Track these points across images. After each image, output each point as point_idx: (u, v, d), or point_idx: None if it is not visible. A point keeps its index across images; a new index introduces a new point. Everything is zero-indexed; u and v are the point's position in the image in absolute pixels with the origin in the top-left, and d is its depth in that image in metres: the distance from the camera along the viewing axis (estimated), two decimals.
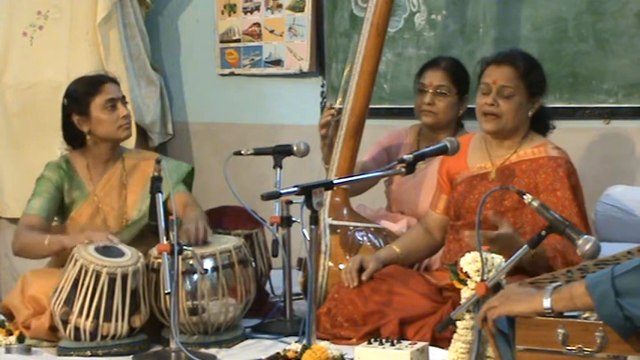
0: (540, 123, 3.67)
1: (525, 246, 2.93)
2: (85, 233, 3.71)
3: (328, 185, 3.33)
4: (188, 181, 4.03)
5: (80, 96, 3.88)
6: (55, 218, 3.97)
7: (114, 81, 3.96)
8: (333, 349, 3.14)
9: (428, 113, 4.16)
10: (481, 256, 2.95)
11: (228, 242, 3.66)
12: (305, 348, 3.11)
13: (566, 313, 2.56)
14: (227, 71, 5.54)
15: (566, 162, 3.57)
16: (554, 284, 2.60)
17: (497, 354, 2.70)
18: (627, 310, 2.41)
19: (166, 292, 3.32)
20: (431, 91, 4.14)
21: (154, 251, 3.57)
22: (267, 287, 4.14)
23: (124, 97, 3.94)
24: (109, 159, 3.95)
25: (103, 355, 3.46)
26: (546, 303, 2.55)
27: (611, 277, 2.43)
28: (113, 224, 3.89)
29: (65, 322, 3.48)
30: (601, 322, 2.48)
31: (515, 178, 3.57)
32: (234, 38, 5.48)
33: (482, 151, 3.69)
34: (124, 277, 3.48)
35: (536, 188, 3.51)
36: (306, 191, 3.17)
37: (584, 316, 2.54)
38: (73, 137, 3.94)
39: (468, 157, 3.71)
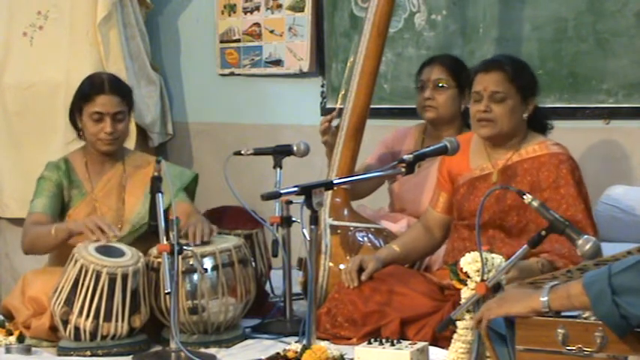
0: (538, 123, 3.66)
1: (525, 246, 2.93)
2: (90, 217, 3.71)
3: (328, 185, 3.33)
4: (192, 187, 4.03)
5: (79, 97, 3.90)
6: None
7: (117, 93, 3.87)
8: (333, 349, 3.14)
9: (429, 108, 4.15)
10: (481, 256, 2.95)
11: (228, 241, 3.66)
12: (305, 348, 3.11)
13: (566, 313, 2.56)
14: (227, 71, 5.54)
15: (568, 158, 3.56)
16: (551, 283, 2.60)
17: (493, 354, 2.70)
18: (623, 308, 2.41)
19: (166, 291, 3.32)
20: (430, 85, 4.14)
21: (153, 251, 3.57)
22: (267, 287, 4.14)
23: (118, 113, 3.84)
24: (106, 159, 3.95)
25: (103, 355, 3.46)
26: (544, 302, 2.55)
27: (608, 276, 2.43)
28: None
29: (65, 322, 3.48)
30: (601, 322, 2.48)
31: (517, 177, 3.56)
32: (234, 38, 5.48)
33: (483, 152, 3.67)
34: (124, 277, 3.48)
35: (539, 186, 3.51)
36: (306, 191, 3.17)
37: (584, 315, 2.54)
38: (74, 124, 3.95)
39: (470, 157, 3.70)
